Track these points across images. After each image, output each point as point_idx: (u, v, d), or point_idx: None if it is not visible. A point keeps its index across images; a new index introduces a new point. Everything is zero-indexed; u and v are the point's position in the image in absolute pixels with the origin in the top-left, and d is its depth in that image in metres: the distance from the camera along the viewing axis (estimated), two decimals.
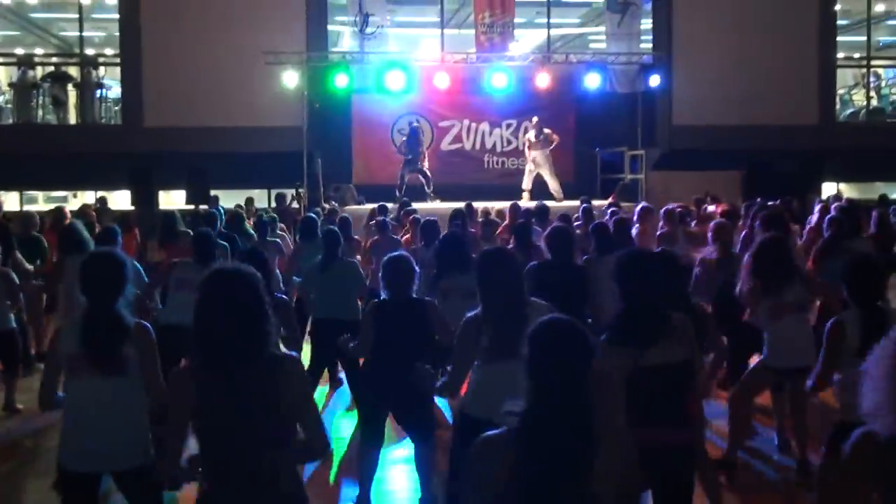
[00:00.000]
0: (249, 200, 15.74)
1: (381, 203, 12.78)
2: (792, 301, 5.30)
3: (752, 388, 5.62)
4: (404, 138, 17.73)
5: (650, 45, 19.89)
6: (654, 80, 18.06)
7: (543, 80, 17.50)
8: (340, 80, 17.03)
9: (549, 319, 2.42)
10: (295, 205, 16.20)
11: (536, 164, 17.46)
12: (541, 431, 2.25)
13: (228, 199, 15.76)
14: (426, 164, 17.39)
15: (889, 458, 2.05)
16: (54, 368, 3.65)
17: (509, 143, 19.38)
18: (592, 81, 17.87)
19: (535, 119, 17.75)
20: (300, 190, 16.76)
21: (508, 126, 19.39)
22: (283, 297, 6.02)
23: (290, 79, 16.86)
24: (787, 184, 15.86)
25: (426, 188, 17.24)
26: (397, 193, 16.47)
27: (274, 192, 16.69)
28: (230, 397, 2.65)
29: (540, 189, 17.40)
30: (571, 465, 2.22)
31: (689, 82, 19.12)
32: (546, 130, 17.53)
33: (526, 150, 17.70)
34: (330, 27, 19.61)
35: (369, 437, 4.89)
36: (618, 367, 3.28)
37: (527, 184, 17.51)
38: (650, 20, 19.92)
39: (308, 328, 7.44)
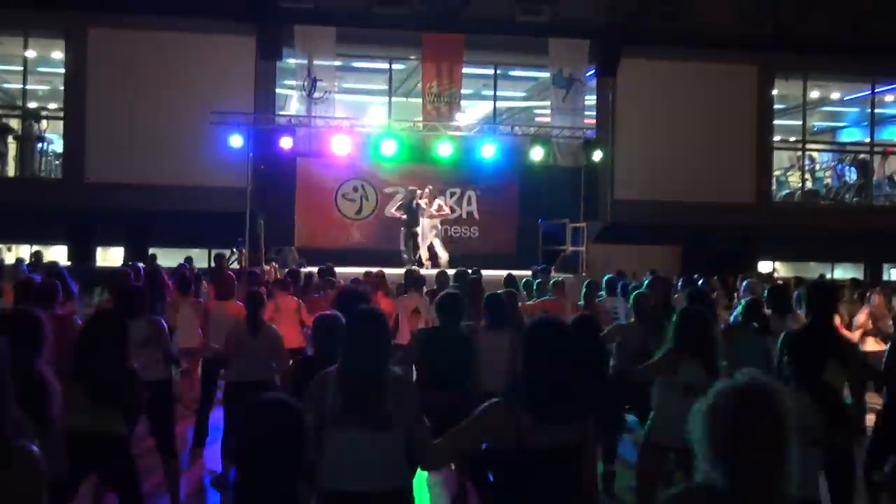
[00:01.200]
0: (188, 260, 15.67)
1: (328, 264, 13.08)
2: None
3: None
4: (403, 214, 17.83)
5: (594, 121, 20.65)
6: (597, 155, 18.78)
7: (489, 151, 18.07)
8: (286, 143, 17.48)
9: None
10: (235, 265, 16.40)
11: (424, 234, 17.54)
12: None
13: (168, 258, 15.81)
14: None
15: None
16: None
17: (453, 211, 19.50)
18: (537, 154, 18.61)
19: (428, 188, 17.81)
20: (241, 249, 16.99)
21: (452, 194, 19.80)
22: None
23: (236, 140, 17.20)
24: (725, 260, 16.57)
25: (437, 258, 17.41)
26: (404, 256, 16.96)
27: (214, 253, 16.63)
28: None
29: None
30: None
31: (631, 158, 20.09)
32: (438, 201, 17.71)
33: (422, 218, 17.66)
34: (278, 90, 20.15)
35: None
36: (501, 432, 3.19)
37: (423, 253, 17.61)
38: (594, 97, 20.87)
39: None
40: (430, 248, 17.61)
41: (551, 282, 10.37)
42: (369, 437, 3.61)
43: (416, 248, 17.45)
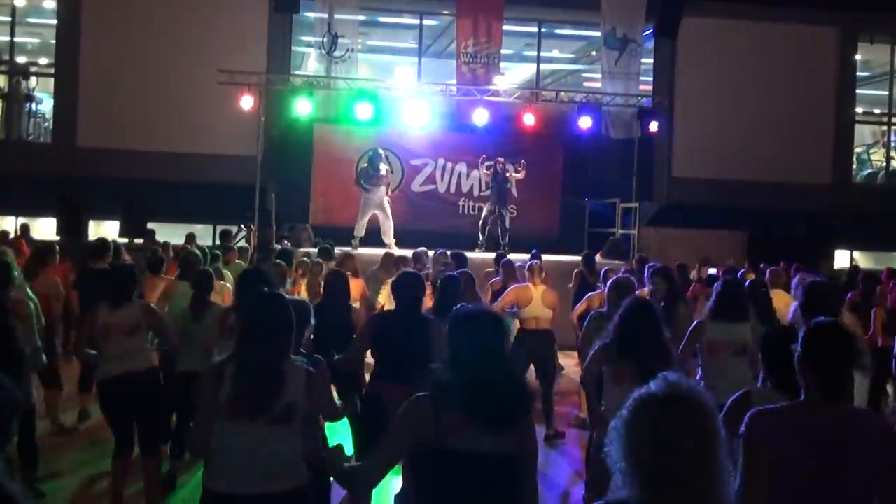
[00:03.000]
0: (191, 237, 15.63)
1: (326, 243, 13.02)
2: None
3: None
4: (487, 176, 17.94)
5: (650, 88, 20.40)
6: (653, 126, 18.50)
7: (530, 120, 17.90)
8: (302, 107, 17.37)
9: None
10: (243, 244, 16.37)
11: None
12: None
13: (167, 234, 15.89)
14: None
15: None
16: None
17: (487, 186, 19.11)
18: (584, 124, 18.37)
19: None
20: (250, 226, 16.89)
21: (489, 168, 19.16)
22: None
23: (247, 102, 17.15)
24: (797, 249, 16.43)
25: (500, 239, 17.43)
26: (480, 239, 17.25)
27: (220, 229, 16.63)
28: None
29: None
30: None
31: (692, 130, 19.93)
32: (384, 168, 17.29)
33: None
34: (294, 48, 20.09)
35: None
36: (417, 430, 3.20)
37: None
38: (651, 60, 20.69)
39: None
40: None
41: (527, 266, 10.28)
42: (263, 432, 3.73)
43: (504, 231, 17.42)
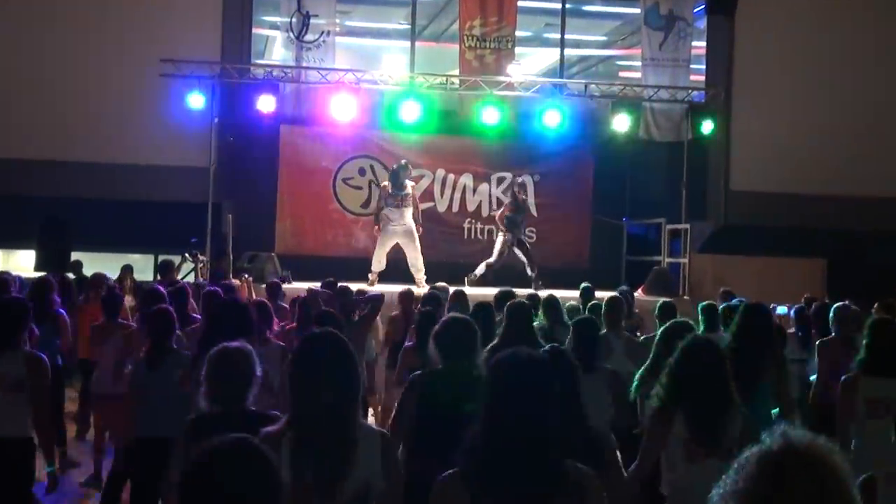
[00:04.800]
0: (127, 269, 15.32)
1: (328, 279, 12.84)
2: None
3: None
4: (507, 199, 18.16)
5: (702, 78, 20.35)
6: (706, 127, 18.45)
7: (553, 119, 17.87)
8: (266, 105, 17.44)
9: None
10: (190, 277, 16.35)
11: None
12: None
13: (97, 266, 14.52)
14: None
15: None
16: None
17: (500, 205, 19.08)
18: (620, 124, 18.39)
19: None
20: (198, 255, 16.93)
21: (500, 181, 19.61)
22: None
23: (195, 100, 17.24)
24: (889, 279, 16.02)
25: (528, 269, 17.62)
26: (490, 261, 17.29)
27: (161, 260, 16.35)
28: None
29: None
30: None
31: (755, 132, 19.79)
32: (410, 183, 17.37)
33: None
34: (255, 30, 19.98)
35: None
36: None
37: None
38: (703, 43, 20.59)
39: None
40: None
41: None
42: None
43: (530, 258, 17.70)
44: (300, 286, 14.57)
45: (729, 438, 4.78)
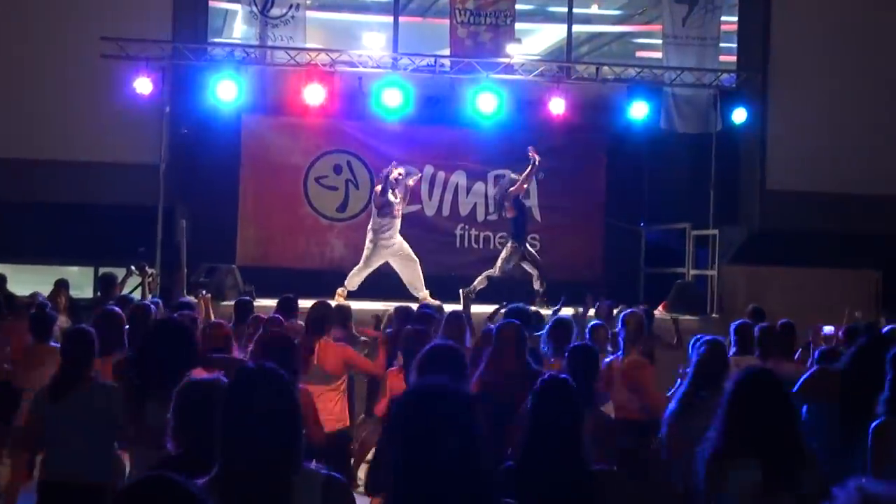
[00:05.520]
0: (61, 284, 15.31)
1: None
2: None
3: None
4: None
5: (733, 59, 20.30)
6: (738, 116, 18.35)
7: (558, 107, 17.73)
8: (226, 91, 17.33)
9: None
10: (135, 294, 15.83)
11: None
12: None
13: (26, 282, 15.66)
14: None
15: None
16: None
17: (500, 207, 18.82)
18: (638, 112, 18.21)
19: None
20: (146, 269, 16.24)
21: (498, 179, 19.17)
22: None
23: (143, 85, 17.06)
24: None
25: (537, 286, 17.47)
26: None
27: (102, 273, 16.28)
28: None
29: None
30: None
31: (797, 122, 19.57)
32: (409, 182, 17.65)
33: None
34: (212, 3, 19.99)
35: None
36: None
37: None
38: (734, 18, 20.49)
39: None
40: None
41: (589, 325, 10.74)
42: None
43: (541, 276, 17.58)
44: (266, 303, 14.76)
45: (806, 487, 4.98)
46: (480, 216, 19.58)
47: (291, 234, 19.20)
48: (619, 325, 10.36)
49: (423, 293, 16.88)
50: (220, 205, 18.78)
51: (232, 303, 15.22)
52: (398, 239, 17.19)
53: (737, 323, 10.71)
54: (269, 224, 19.25)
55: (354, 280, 17.09)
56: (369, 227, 17.20)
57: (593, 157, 19.80)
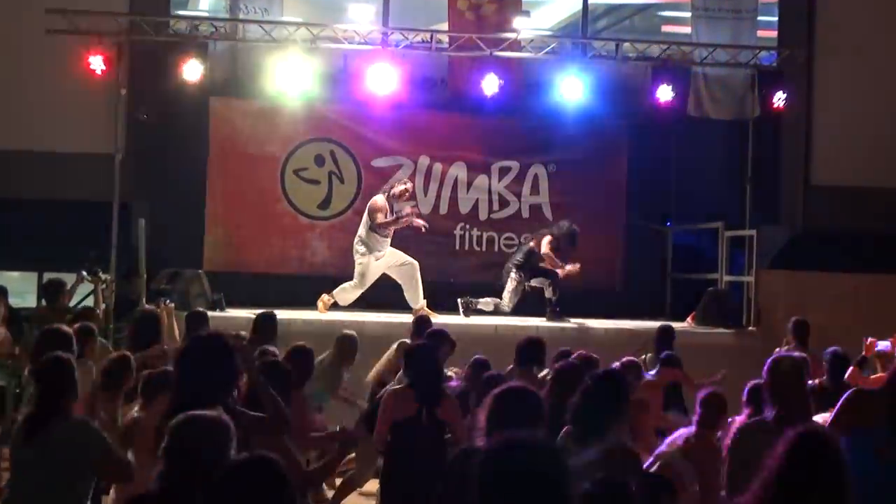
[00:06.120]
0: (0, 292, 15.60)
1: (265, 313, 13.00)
2: None
3: None
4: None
5: (774, 34, 20.29)
6: (780, 101, 18.13)
7: (573, 90, 17.70)
8: (191, 72, 17.24)
9: None
10: (89, 301, 16.04)
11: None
12: None
13: None
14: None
15: None
16: None
17: (504, 204, 19.30)
18: (664, 96, 18.03)
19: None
20: (100, 274, 16.24)
21: (504, 172, 19.41)
22: None
23: (97, 63, 16.92)
24: None
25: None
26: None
27: (47, 279, 16.06)
28: None
29: None
30: None
31: (846, 107, 19.56)
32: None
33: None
34: None
35: None
36: None
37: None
38: None
39: None
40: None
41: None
42: None
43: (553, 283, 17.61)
44: (237, 314, 15.41)
45: None
46: (483, 214, 19.35)
47: (266, 235, 18.95)
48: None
49: (419, 303, 16.85)
50: (184, 201, 18.55)
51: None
52: (389, 248, 17.19)
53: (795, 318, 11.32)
54: (241, 223, 18.96)
55: (347, 296, 17.00)
56: (360, 237, 17.04)
57: (613, 147, 19.61)
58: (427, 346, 9.34)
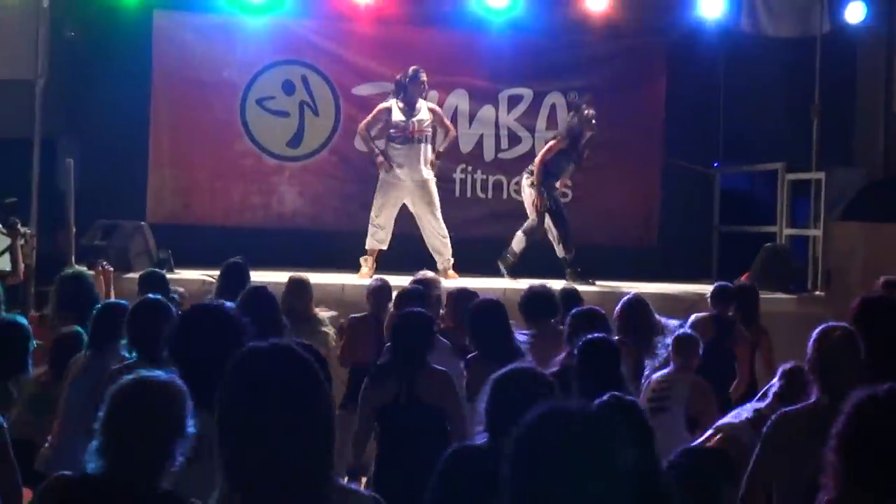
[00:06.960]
0: None
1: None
2: None
3: None
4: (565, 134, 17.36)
5: None
6: (855, 14, 17.81)
7: (598, 2, 17.66)
8: None
9: None
10: (3, 261, 15.44)
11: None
12: None
13: None
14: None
15: None
16: None
17: (515, 140, 18.85)
18: (710, 11, 17.90)
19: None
20: (19, 226, 15.82)
21: (514, 101, 19.04)
22: None
23: None
24: None
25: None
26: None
27: None
28: None
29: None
30: None
31: None
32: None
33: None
34: None
35: None
36: None
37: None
38: None
39: None
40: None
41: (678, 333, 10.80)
42: None
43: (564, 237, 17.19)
44: (188, 276, 15.40)
45: None
46: (489, 154, 18.90)
47: (224, 180, 18.56)
48: None
49: (445, 257, 16.73)
50: (122, 138, 18.07)
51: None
52: (419, 172, 16.70)
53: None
54: (193, 165, 18.68)
55: (372, 238, 16.76)
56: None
57: (648, 71, 19.21)
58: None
